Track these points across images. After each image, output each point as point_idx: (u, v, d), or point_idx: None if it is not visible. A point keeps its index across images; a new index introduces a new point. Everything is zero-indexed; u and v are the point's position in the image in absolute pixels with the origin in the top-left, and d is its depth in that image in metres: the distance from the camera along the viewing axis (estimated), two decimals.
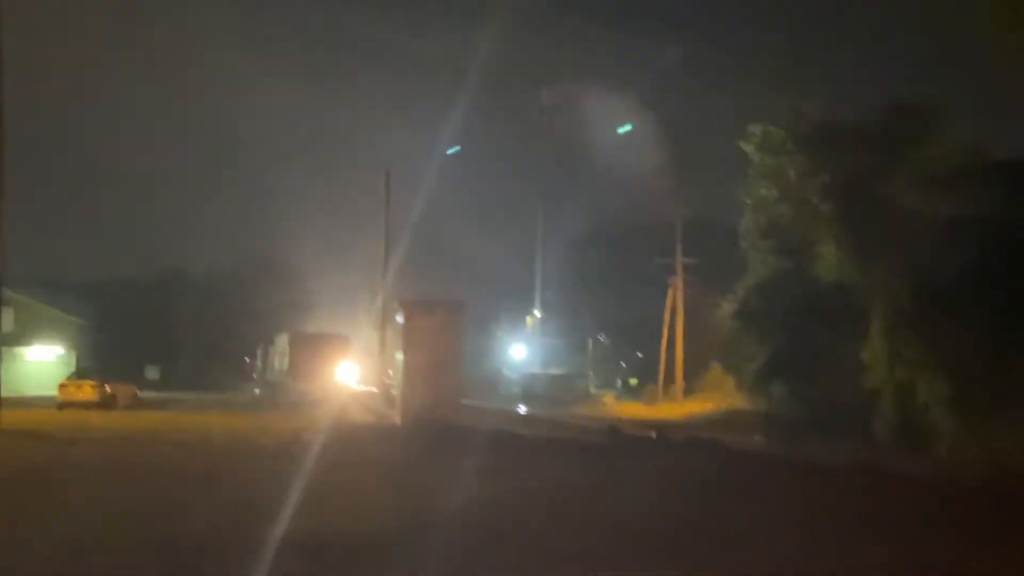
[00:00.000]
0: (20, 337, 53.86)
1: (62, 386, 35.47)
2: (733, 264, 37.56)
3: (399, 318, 30.71)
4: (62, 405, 33.60)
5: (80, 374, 38.06)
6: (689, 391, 48.89)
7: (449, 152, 45.87)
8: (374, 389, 39.69)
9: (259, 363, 52.92)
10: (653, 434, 28.17)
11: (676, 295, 51.33)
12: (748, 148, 32.54)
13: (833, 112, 30.69)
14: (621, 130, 49.86)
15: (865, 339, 28.30)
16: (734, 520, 11.79)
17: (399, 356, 30.08)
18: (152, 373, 50.25)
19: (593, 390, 63.55)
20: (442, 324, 28.97)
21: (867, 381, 27.90)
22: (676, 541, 10.23)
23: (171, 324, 73.36)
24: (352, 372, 45.19)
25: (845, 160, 29.38)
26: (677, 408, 45.10)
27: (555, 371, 63.60)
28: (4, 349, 25.82)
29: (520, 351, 71.18)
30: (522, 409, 47.69)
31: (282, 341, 46.41)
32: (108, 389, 34.93)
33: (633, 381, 64.97)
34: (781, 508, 12.95)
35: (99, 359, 53.66)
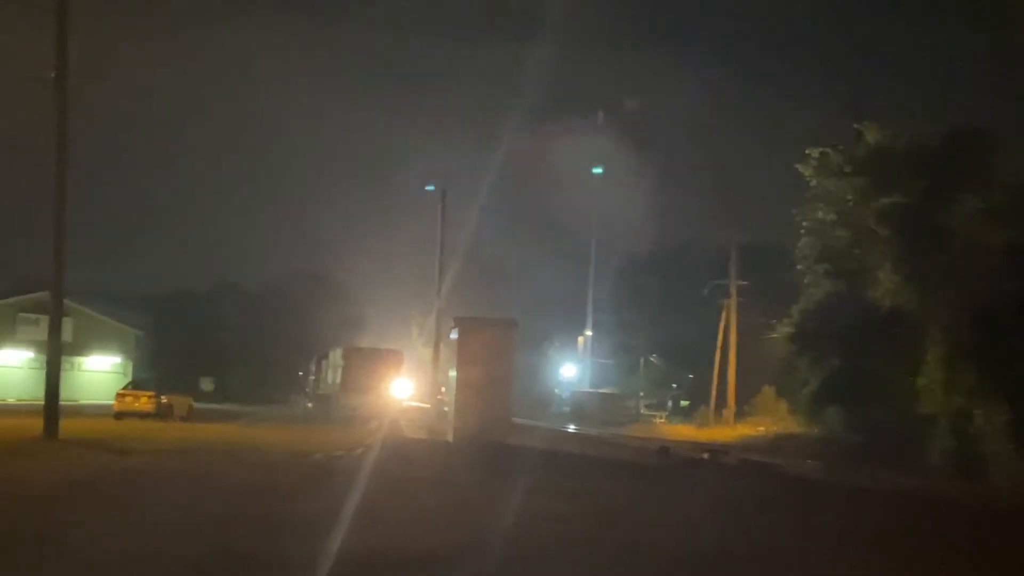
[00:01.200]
0: (78, 347, 54.53)
1: (119, 396, 35.76)
2: (785, 287, 37.41)
3: (453, 335, 30.81)
4: (119, 415, 33.92)
5: (137, 384, 38.37)
6: (741, 414, 48.58)
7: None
8: (426, 405, 39.85)
9: (312, 377, 53.25)
10: (705, 456, 28.07)
11: (729, 317, 51.08)
12: (806, 171, 32.47)
13: (892, 137, 30.51)
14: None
15: (921, 365, 28.05)
16: (786, 545, 11.74)
17: (452, 373, 30.18)
18: (206, 385, 50.77)
19: (644, 411, 63.42)
20: (495, 342, 29.01)
21: (922, 407, 27.65)
22: (727, 565, 10.21)
23: (225, 336, 74.08)
24: (404, 388, 45.39)
25: (904, 185, 29.21)
26: (729, 431, 44.82)
27: (606, 391, 63.54)
28: (63, 359, 26.09)
29: (571, 370, 71.22)
30: (572, 428, 47.64)
31: (336, 355, 46.67)
32: (164, 400, 35.23)
33: (684, 403, 64.70)
34: (833, 534, 12.86)
35: (155, 370, 54.25)
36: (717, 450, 30.31)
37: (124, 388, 37.48)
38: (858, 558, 10.98)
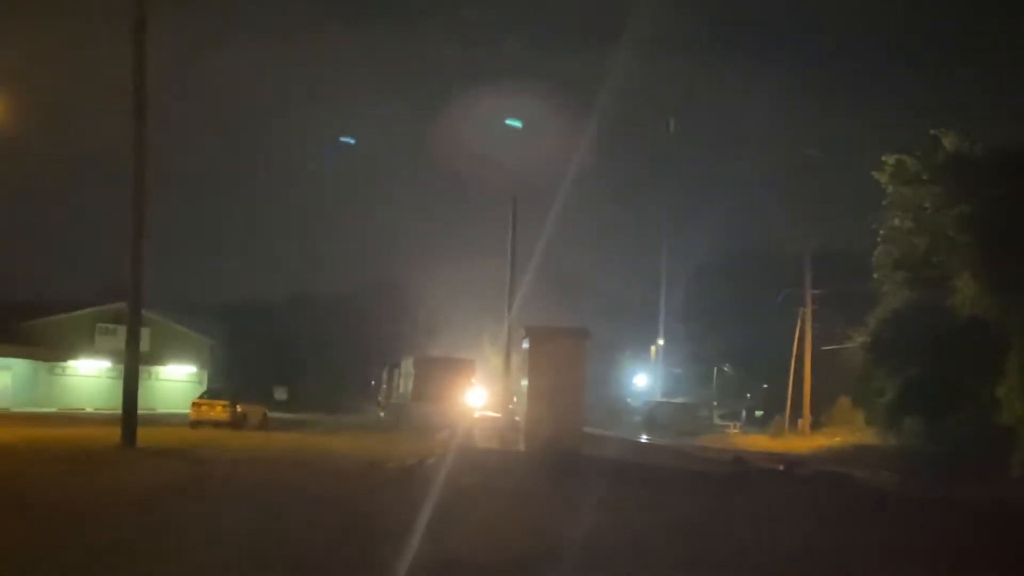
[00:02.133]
0: (155, 357, 55.35)
1: (195, 405, 36.25)
2: (861, 296, 36.96)
3: (524, 344, 30.78)
4: (194, 424, 34.38)
5: (212, 393, 38.85)
6: (816, 424, 48.00)
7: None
8: (498, 415, 39.84)
9: (384, 386, 53.49)
10: (781, 467, 27.73)
11: (805, 326, 50.51)
12: (882, 178, 32.10)
13: (970, 143, 30.02)
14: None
15: (1001, 374, 27.52)
16: (865, 558, 11.55)
17: (524, 382, 30.15)
18: (280, 394, 51.16)
19: (717, 420, 62.94)
20: (567, 351, 28.92)
21: (1003, 418, 27.12)
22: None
23: (299, 346, 74.76)
24: (476, 397, 45.42)
25: (983, 192, 28.72)
26: (804, 441, 44.30)
27: (678, 400, 63.21)
28: (141, 368, 26.52)
29: (643, 379, 70.96)
30: (644, 438, 47.42)
31: (407, 364, 46.82)
32: (239, 409, 35.64)
33: (758, 413, 64.08)
34: (904, 548, 12.62)
35: (229, 379, 54.89)
36: (793, 461, 29.95)
37: (200, 397, 37.97)
38: (926, 573, 10.78)
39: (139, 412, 24.60)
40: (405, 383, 46.54)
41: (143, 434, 24.24)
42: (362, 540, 10.85)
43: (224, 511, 12.96)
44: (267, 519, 12.20)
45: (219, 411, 35.11)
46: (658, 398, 65.14)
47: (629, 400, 69.98)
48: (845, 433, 41.57)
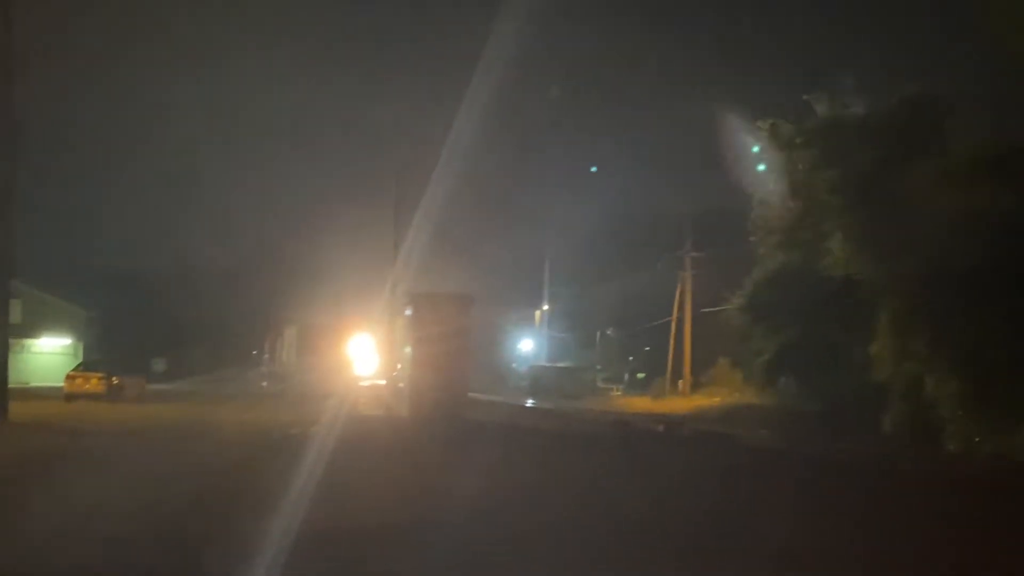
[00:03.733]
0: (28, 328, 53.82)
1: (69, 377, 35.41)
2: (741, 259, 37.56)
3: (407, 311, 30.72)
4: (69, 397, 33.62)
5: (87, 366, 38.00)
6: (697, 385, 48.87)
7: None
8: (383, 382, 39.70)
9: (268, 355, 52.91)
10: (661, 427, 28.22)
11: (685, 289, 51.28)
12: (757, 143, 32.51)
13: (842, 106, 30.53)
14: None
15: (873, 334, 28.24)
16: (740, 515, 11.81)
17: (407, 349, 30.10)
18: (159, 365, 50.23)
19: (601, 384, 63.64)
20: (450, 317, 29.00)
21: (875, 376, 27.84)
22: (681, 534, 10.25)
23: (181, 316, 73.35)
24: (361, 365, 45.18)
25: (855, 154, 29.24)
26: (685, 402, 45.09)
27: (563, 364, 63.71)
28: (12, 340, 25.82)
29: (528, 344, 71.37)
30: (530, 402, 47.76)
31: (291, 333, 46.38)
32: (115, 381, 34.93)
33: (641, 375, 64.96)
34: (785, 502, 12.94)
35: (107, 351, 53.68)
36: (673, 422, 30.51)
37: (74, 370, 37.10)
38: (803, 525, 11.06)
39: (12, 386, 24.00)
40: (289, 352, 46.14)
41: (15, 408, 23.68)
42: (240, 510, 10.72)
43: (90, 484, 12.67)
44: (136, 492, 11.99)
45: (95, 384, 34.35)
46: (543, 363, 65.61)
47: (514, 365, 70.37)
48: (724, 393, 42.38)
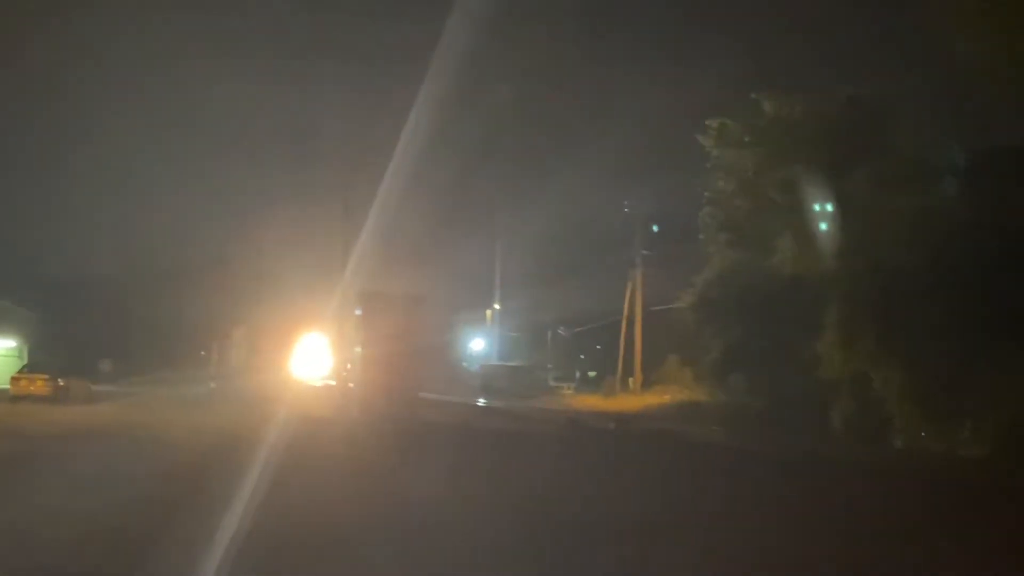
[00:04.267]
0: None
1: (14, 379, 34.93)
2: (691, 258, 37.69)
3: (357, 311, 30.58)
4: (15, 398, 33.14)
5: (33, 367, 37.46)
6: (647, 383, 48.94)
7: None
8: (333, 382, 39.50)
9: (216, 356, 52.51)
10: (611, 425, 28.27)
11: (635, 288, 51.39)
12: (706, 142, 32.65)
13: (791, 107, 30.75)
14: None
15: (821, 331, 28.47)
16: (684, 511, 11.87)
17: (357, 349, 29.95)
18: (106, 366, 49.62)
19: (552, 382, 63.65)
20: (400, 317, 28.91)
21: (823, 373, 28.07)
22: (628, 533, 10.28)
23: (126, 317, 72.44)
24: (311, 365, 44.95)
25: (803, 154, 29.51)
26: (635, 400, 45.15)
27: (514, 364, 63.68)
28: None
29: (480, 344, 71.31)
30: (481, 401, 47.69)
31: (239, 334, 46.08)
32: (61, 383, 34.47)
33: (592, 374, 65.10)
34: (726, 499, 13.02)
35: (53, 352, 52.91)
36: (623, 420, 30.58)
37: (19, 371, 36.61)
38: (745, 522, 11.15)
39: None
40: (238, 353, 45.83)
41: None
42: (184, 513, 10.58)
43: (30, 486, 12.50)
44: (78, 495, 11.86)
45: (39, 385, 33.86)
46: (494, 362, 65.56)
47: (466, 364, 70.25)
48: (675, 391, 42.52)
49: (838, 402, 27.95)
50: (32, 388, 33.66)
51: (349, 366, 33.63)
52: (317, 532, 10.03)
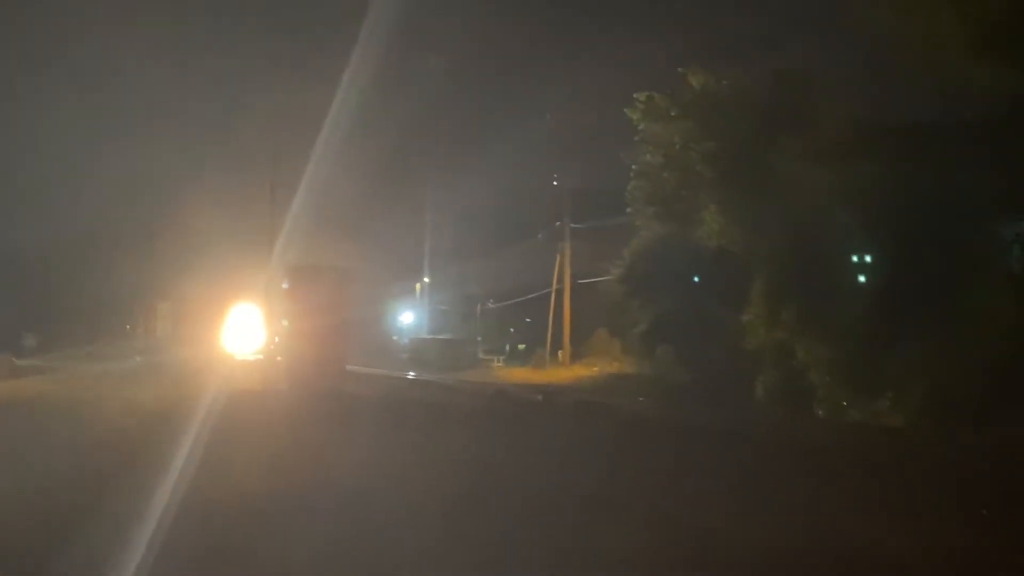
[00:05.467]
0: None
1: None
2: (620, 231, 37.92)
3: (284, 284, 30.41)
4: None
5: None
6: (576, 356, 49.23)
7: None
8: (260, 356, 39.26)
9: (142, 329, 51.83)
10: (540, 397, 28.42)
11: (564, 261, 51.58)
12: (634, 116, 32.78)
13: (716, 80, 30.96)
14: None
15: (746, 303, 28.85)
16: (607, 480, 12.03)
17: (285, 323, 29.80)
18: (30, 340, 48.81)
19: (482, 355, 63.76)
20: (328, 290, 28.82)
21: (748, 344, 28.47)
22: (558, 505, 10.40)
23: (51, 291, 71.17)
24: (240, 339, 44.55)
25: (729, 128, 29.76)
26: (564, 372, 45.42)
27: (443, 337, 63.71)
28: None
29: (409, 317, 71.22)
30: (411, 374, 47.68)
31: (166, 307, 45.53)
32: None
33: (521, 346, 65.28)
34: (653, 468, 13.22)
35: None
36: (552, 392, 30.76)
37: None
38: (674, 492, 11.34)
39: None
40: (163, 326, 45.30)
41: None
42: (117, 486, 10.53)
43: None
44: (6, 470, 11.73)
45: None
46: (424, 335, 65.56)
47: (395, 338, 70.16)
48: (603, 363, 42.87)
49: (762, 373, 28.39)
50: None
51: (277, 340, 33.46)
52: (247, 505, 10.02)
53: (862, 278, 24.90)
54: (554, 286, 52.45)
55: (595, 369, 42.55)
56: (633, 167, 34.38)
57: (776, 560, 8.28)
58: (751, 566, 8.22)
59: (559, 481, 12.02)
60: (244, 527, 9.04)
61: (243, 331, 45.53)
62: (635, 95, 32.61)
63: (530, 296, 59.28)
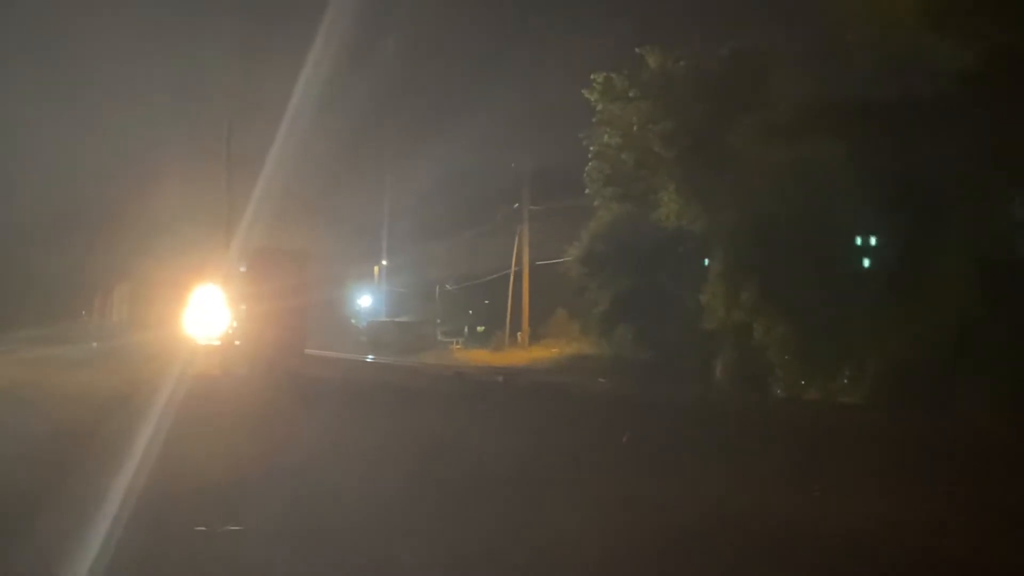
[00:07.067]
0: None
1: None
2: (578, 212, 37.99)
3: (242, 267, 30.21)
4: None
5: None
6: (536, 337, 49.39)
7: None
8: (218, 341, 39.01)
9: (98, 313, 51.32)
10: (500, 379, 28.46)
11: (522, 242, 51.66)
12: (592, 96, 32.80)
13: (674, 60, 31.01)
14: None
15: (704, 282, 28.99)
16: (567, 459, 12.06)
17: (243, 306, 29.62)
18: None
19: (441, 338, 63.82)
20: (286, 272, 28.67)
21: (707, 324, 28.60)
22: (519, 482, 10.40)
23: (2, 271, 70.26)
24: (198, 323, 44.22)
25: (686, 107, 29.84)
26: (524, 354, 45.57)
27: (403, 319, 63.70)
28: None
29: (367, 300, 71.11)
30: (370, 357, 47.63)
31: (123, 290, 45.07)
32: None
33: (481, 328, 65.42)
34: (612, 449, 13.27)
35: None
36: (511, 373, 30.81)
37: None
38: (631, 469, 11.40)
39: None
40: (120, 309, 44.87)
41: None
42: (75, 473, 10.37)
43: None
44: None
45: None
46: (383, 318, 65.49)
47: (354, 321, 70.05)
48: (563, 344, 42.99)
49: (721, 352, 28.55)
50: None
51: (235, 323, 33.25)
52: (209, 487, 9.93)
53: (820, 256, 25.01)
54: (513, 268, 52.57)
55: (554, 350, 42.66)
56: (591, 148, 34.44)
57: (705, 528, 8.34)
58: (679, 528, 8.28)
59: (516, 460, 12.02)
60: (207, 506, 8.95)
61: (204, 314, 45.19)
62: (592, 76, 32.63)
63: (489, 278, 59.40)
